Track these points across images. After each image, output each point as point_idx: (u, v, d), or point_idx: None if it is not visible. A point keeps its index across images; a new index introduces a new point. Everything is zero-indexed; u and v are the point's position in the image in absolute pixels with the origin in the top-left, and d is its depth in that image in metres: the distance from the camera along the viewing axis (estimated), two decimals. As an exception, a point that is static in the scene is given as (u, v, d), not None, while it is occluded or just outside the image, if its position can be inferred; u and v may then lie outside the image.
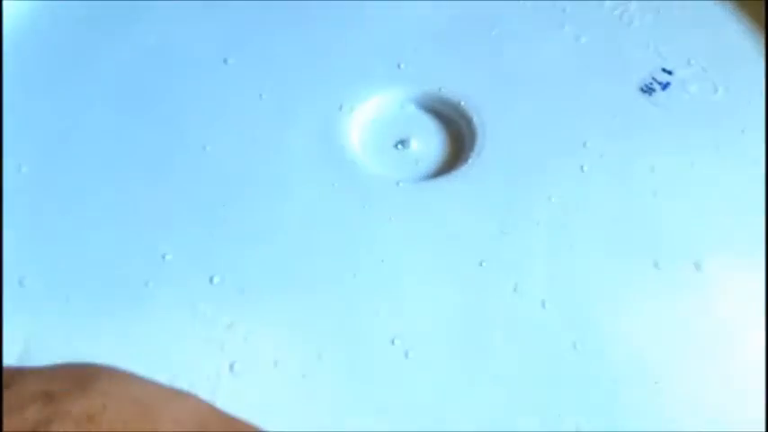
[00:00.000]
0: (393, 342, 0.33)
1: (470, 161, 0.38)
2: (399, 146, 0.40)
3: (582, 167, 0.38)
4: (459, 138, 0.40)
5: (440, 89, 0.41)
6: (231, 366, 0.32)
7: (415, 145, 0.40)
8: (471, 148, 0.39)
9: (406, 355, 0.33)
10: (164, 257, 0.35)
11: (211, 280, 0.34)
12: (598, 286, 0.35)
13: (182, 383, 0.31)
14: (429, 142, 0.40)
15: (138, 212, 0.36)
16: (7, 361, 0.31)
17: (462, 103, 0.40)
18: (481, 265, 0.35)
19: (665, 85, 0.42)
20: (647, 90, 0.41)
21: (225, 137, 0.39)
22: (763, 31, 0.44)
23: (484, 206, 0.37)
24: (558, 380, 0.32)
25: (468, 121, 0.40)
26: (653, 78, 0.42)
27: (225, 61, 0.42)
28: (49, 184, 0.37)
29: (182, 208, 0.36)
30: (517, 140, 0.39)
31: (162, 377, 0.31)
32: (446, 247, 0.36)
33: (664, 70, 0.42)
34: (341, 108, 0.40)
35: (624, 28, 0.44)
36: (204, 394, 0.31)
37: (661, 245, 0.36)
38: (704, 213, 0.37)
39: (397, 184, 0.38)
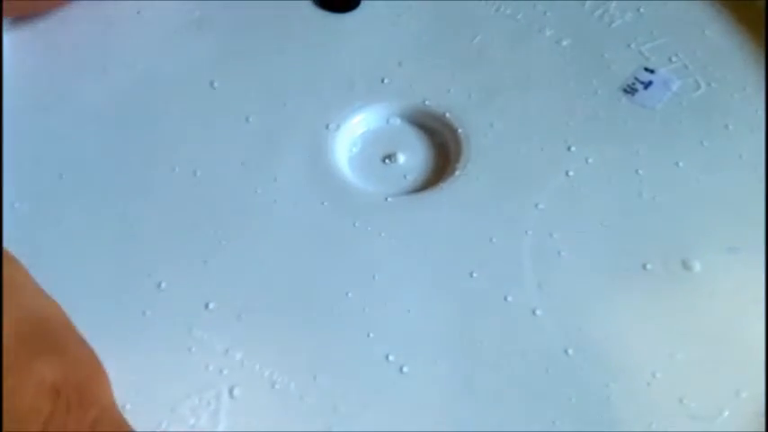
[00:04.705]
0: (387, 358, 0.33)
1: (457, 172, 0.39)
2: (387, 160, 0.40)
3: (567, 172, 0.39)
4: (445, 149, 0.40)
5: (424, 102, 0.41)
6: (230, 391, 0.32)
7: (402, 159, 0.40)
8: (457, 158, 0.39)
9: (401, 370, 0.33)
10: (159, 286, 0.35)
11: (207, 306, 0.35)
12: (588, 291, 0.35)
13: (183, 410, 0.32)
14: (416, 155, 0.40)
15: (130, 241, 0.37)
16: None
17: (447, 114, 0.41)
18: (472, 275, 0.36)
19: (647, 85, 0.42)
20: (630, 90, 0.42)
21: (214, 161, 0.39)
22: (743, 27, 0.44)
23: (472, 216, 0.38)
24: (552, 386, 0.33)
25: (454, 132, 0.40)
26: (635, 78, 0.42)
27: (211, 84, 0.42)
28: (39, 214, 0.38)
29: (174, 235, 0.37)
30: (503, 149, 0.40)
31: (163, 404, 0.32)
32: (437, 260, 0.36)
33: (646, 69, 0.42)
34: (327, 126, 0.40)
35: (605, 28, 0.45)
36: (206, 419, 0.32)
37: (649, 246, 0.36)
38: (691, 211, 0.38)
39: (386, 199, 0.38)
